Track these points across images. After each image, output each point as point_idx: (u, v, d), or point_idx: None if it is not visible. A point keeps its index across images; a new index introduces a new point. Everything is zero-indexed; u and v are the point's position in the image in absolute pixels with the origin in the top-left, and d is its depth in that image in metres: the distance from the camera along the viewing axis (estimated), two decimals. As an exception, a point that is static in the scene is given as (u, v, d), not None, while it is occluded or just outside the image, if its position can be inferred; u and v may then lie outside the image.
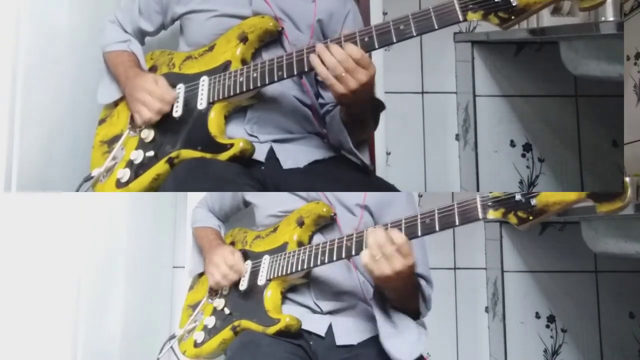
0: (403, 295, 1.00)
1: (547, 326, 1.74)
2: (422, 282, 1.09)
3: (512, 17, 0.88)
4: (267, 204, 1.20)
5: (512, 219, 0.85)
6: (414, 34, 0.92)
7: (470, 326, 1.85)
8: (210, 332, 1.17)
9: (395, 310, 1.02)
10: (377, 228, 0.94)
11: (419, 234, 0.92)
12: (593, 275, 1.75)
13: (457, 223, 0.89)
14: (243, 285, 1.15)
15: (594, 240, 1.33)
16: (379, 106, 1.10)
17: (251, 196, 1.24)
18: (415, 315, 1.06)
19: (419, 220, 0.93)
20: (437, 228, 0.91)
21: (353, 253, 1.00)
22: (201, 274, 1.29)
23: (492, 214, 0.87)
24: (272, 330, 1.06)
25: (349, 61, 0.93)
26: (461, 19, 0.90)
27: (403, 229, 0.94)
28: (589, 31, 1.27)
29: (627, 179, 1.34)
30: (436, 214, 0.91)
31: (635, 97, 1.59)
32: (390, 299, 1.01)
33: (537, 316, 1.75)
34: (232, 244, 1.26)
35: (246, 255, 1.20)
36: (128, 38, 1.22)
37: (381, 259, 0.91)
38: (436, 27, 0.91)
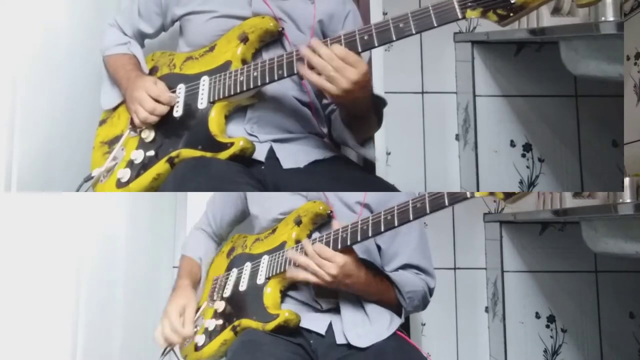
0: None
1: (547, 326, 1.74)
2: (407, 274, 1.12)
3: (511, 14, 0.88)
4: (268, 209, 1.20)
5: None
6: (414, 32, 0.93)
7: (470, 326, 1.85)
8: (211, 335, 1.16)
9: (369, 302, 1.08)
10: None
11: (411, 217, 0.95)
12: (593, 275, 1.75)
13: (446, 204, 0.91)
14: (243, 286, 1.15)
15: (594, 240, 1.32)
16: (381, 102, 1.10)
17: (252, 206, 1.24)
18: (397, 309, 1.10)
19: (410, 205, 0.95)
20: (427, 210, 0.93)
21: (349, 243, 1.01)
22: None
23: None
24: (271, 325, 1.06)
25: (335, 60, 0.94)
26: (460, 16, 0.90)
27: (395, 214, 0.97)
28: (589, 31, 1.27)
29: (626, 179, 1.33)
30: (427, 198, 0.94)
31: (635, 97, 1.59)
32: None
33: (537, 316, 1.74)
34: (232, 249, 1.26)
35: None
36: (128, 40, 1.22)
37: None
38: (435, 25, 0.92)
